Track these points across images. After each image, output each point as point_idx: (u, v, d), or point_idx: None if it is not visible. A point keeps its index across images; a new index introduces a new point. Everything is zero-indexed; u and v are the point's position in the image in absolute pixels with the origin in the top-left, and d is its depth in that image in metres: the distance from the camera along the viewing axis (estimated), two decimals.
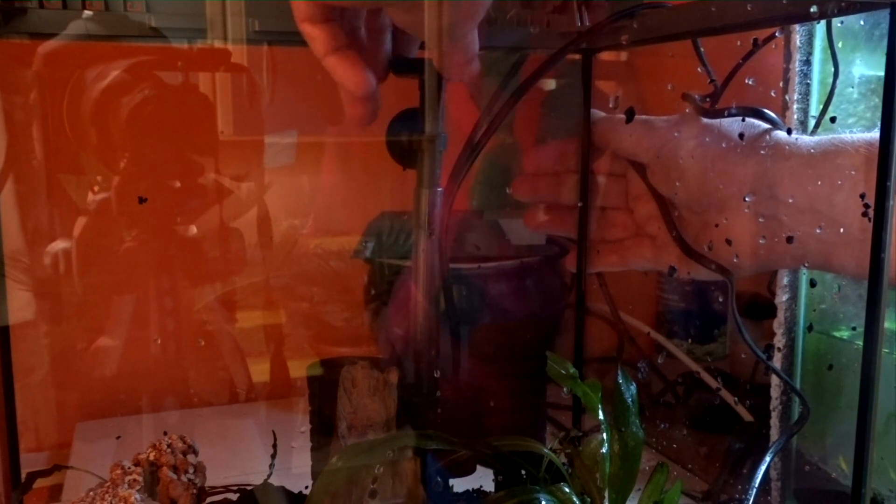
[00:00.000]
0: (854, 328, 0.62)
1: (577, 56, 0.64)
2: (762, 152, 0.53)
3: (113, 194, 0.74)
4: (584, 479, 0.52)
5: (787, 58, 0.61)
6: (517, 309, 0.85)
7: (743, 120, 0.55)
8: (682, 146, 0.55)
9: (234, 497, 0.55)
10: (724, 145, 0.54)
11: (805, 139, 0.54)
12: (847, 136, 0.51)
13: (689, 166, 0.55)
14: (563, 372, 0.57)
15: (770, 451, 0.58)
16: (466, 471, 0.57)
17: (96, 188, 0.74)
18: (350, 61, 0.46)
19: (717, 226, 0.55)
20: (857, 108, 0.61)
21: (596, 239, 0.62)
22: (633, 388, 0.52)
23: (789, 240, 0.52)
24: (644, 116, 0.58)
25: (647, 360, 0.83)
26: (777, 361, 0.64)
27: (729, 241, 0.55)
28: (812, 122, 0.61)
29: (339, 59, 0.46)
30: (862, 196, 0.47)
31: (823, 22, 0.57)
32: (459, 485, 0.57)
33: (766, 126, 0.55)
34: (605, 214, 0.62)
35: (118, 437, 0.71)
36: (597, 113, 0.60)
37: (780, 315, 0.64)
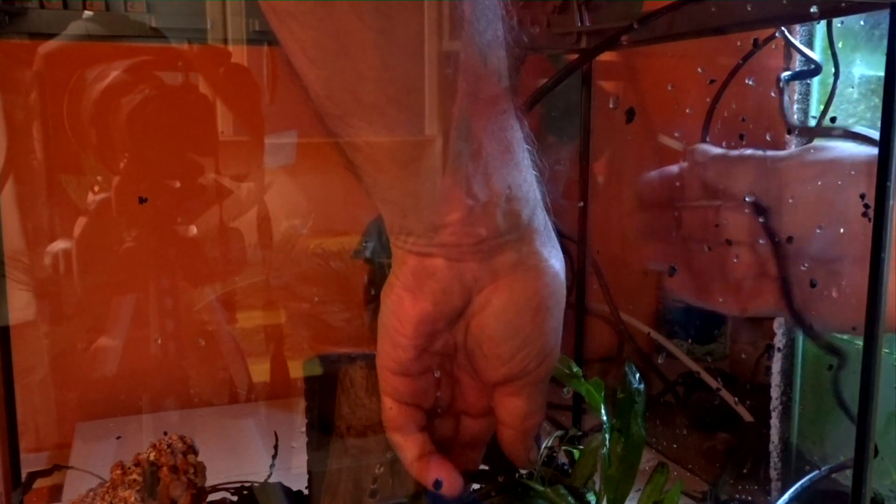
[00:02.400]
0: (854, 328, 0.62)
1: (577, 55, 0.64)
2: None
3: (113, 194, 0.74)
4: (583, 479, 0.52)
5: (787, 58, 0.61)
6: None
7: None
8: (809, 187, 0.49)
9: (234, 497, 0.55)
10: (856, 188, 0.47)
11: None
12: None
13: (818, 210, 0.48)
14: (566, 371, 0.57)
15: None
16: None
17: (96, 188, 0.74)
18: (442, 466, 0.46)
19: (843, 280, 0.49)
20: (857, 108, 0.61)
21: (714, 279, 0.55)
22: (637, 387, 0.52)
23: None
24: (761, 153, 0.52)
25: (648, 360, 0.83)
26: (777, 361, 0.64)
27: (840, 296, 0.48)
28: (812, 123, 0.61)
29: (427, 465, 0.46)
30: (862, 196, 0.46)
31: (823, 22, 0.57)
32: None
33: None
34: (728, 251, 0.55)
35: (118, 437, 0.71)
36: (708, 150, 0.54)
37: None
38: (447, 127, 0.39)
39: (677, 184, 0.55)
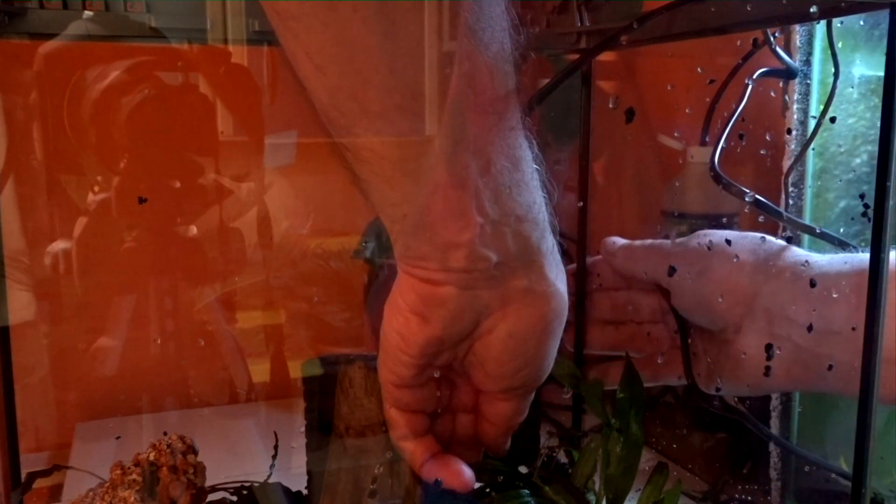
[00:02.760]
0: (854, 328, 0.62)
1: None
2: (774, 273, 0.52)
3: (113, 194, 0.74)
4: (583, 479, 0.52)
5: (779, 58, 0.61)
6: None
7: (763, 239, 0.54)
8: (694, 270, 0.54)
9: (234, 497, 0.55)
10: (735, 267, 0.53)
11: (817, 259, 0.51)
12: (862, 254, 0.50)
13: (701, 289, 0.54)
14: (565, 371, 0.57)
15: None
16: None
17: (96, 188, 0.74)
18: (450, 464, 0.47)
19: (733, 345, 0.54)
20: (857, 108, 0.61)
21: (630, 353, 0.60)
22: (636, 387, 0.52)
23: (810, 362, 0.51)
24: (658, 241, 0.58)
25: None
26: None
27: (743, 360, 0.53)
28: (812, 123, 0.61)
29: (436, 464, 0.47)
30: (861, 196, 0.47)
31: (823, 22, 0.57)
32: None
33: (780, 244, 0.53)
34: (640, 328, 0.60)
35: (118, 438, 0.71)
36: (616, 241, 0.59)
37: None
38: (455, 138, 0.39)
39: (596, 274, 0.61)
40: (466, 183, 0.40)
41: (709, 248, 0.54)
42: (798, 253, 0.53)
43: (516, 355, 0.46)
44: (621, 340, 0.60)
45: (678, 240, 0.57)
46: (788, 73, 0.60)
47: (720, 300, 0.53)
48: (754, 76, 0.59)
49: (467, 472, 0.46)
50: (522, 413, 0.49)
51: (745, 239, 0.54)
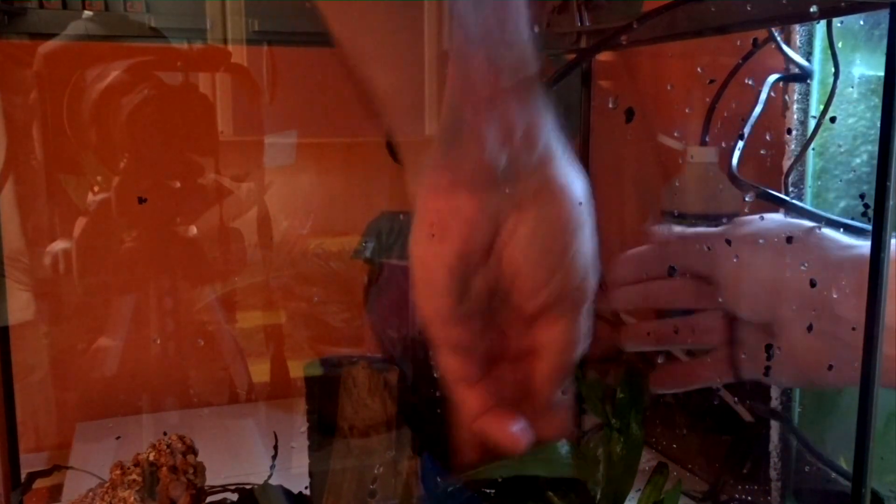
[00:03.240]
0: (854, 328, 0.62)
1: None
2: (818, 265, 0.50)
3: (113, 194, 0.74)
4: (583, 480, 0.52)
5: (788, 57, 0.61)
6: None
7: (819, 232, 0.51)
8: (736, 261, 0.53)
9: (234, 497, 0.55)
10: (777, 256, 0.51)
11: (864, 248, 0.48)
12: None
13: (744, 281, 0.52)
14: None
15: None
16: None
17: (96, 188, 0.74)
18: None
19: (777, 341, 0.52)
20: (857, 108, 0.61)
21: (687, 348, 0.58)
22: (635, 387, 0.52)
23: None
24: (710, 230, 0.56)
25: (648, 360, 0.83)
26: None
27: (770, 355, 0.53)
28: (812, 123, 0.61)
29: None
30: (862, 196, 0.47)
31: (823, 22, 0.57)
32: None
33: (818, 230, 0.51)
34: (686, 322, 0.58)
35: (118, 438, 0.71)
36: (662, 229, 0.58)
37: None
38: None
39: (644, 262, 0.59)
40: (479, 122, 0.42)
41: (741, 238, 0.53)
42: (855, 244, 0.50)
43: (542, 258, 0.45)
44: (667, 334, 0.59)
45: (716, 230, 0.55)
46: (802, 76, 0.60)
47: (769, 295, 0.51)
48: (769, 81, 0.58)
49: (524, 437, 0.45)
50: (574, 344, 0.47)
51: (802, 231, 0.52)
